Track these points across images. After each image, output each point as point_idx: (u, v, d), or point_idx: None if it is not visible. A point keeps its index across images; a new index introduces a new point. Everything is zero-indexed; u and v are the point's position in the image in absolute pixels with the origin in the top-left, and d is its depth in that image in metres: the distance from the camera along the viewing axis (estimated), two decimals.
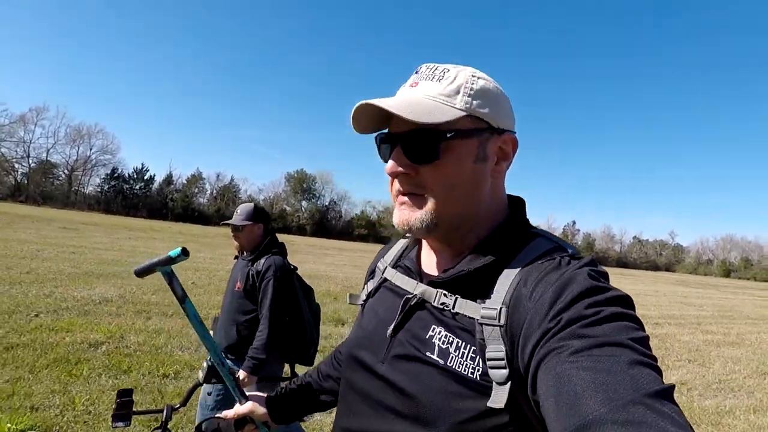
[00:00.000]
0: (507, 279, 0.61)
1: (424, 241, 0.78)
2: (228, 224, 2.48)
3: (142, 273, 0.94)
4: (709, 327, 10.87)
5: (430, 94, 0.65)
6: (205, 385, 1.53)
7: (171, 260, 0.90)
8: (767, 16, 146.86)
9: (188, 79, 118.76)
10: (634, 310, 0.54)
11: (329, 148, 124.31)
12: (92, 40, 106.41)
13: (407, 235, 0.82)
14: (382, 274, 0.82)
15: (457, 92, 0.64)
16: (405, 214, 0.67)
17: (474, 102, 0.64)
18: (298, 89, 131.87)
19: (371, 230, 72.70)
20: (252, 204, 2.54)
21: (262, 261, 2.42)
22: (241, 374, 2.23)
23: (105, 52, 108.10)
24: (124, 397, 1.14)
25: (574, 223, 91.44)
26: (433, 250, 0.75)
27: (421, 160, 0.65)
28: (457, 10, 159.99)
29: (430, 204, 0.65)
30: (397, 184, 0.68)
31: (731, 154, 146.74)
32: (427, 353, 0.64)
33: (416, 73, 0.70)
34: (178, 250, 0.90)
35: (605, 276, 0.60)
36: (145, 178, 62.95)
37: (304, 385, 1.01)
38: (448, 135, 0.63)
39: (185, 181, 67.00)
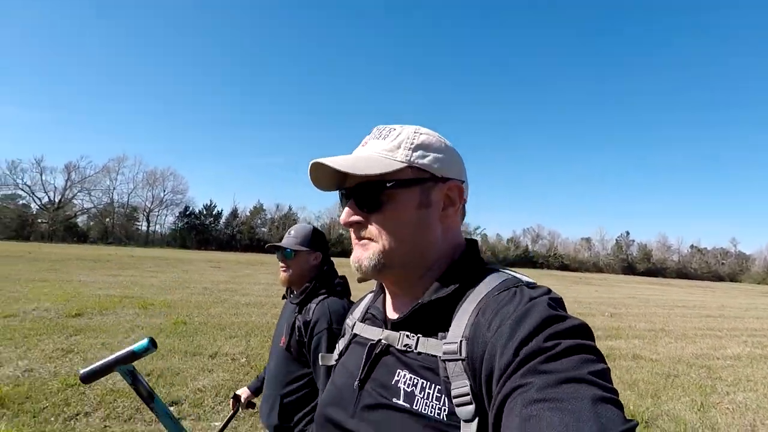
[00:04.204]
0: (465, 312, 0.63)
1: (387, 290, 0.79)
2: (277, 247, 1.82)
3: (92, 377, 0.74)
4: None
5: (375, 150, 0.72)
6: None
7: (134, 356, 0.74)
8: None
9: (246, 115, 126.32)
10: (593, 340, 0.55)
11: None
12: (160, 95, 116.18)
13: (374, 289, 0.86)
14: (352, 330, 0.83)
15: (399, 147, 0.70)
16: (357, 254, 0.73)
17: (414, 154, 0.70)
18: (346, 113, 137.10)
19: None
20: (310, 226, 1.90)
21: (313, 306, 1.74)
22: None
23: (172, 104, 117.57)
24: None
25: (627, 233, 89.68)
26: (395, 296, 0.77)
27: (368, 209, 0.71)
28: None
29: (379, 246, 0.70)
30: (353, 232, 0.74)
31: None
32: (393, 399, 0.64)
33: (369, 134, 0.76)
34: (145, 342, 0.75)
35: (561, 304, 0.61)
36: (214, 213, 67.19)
37: None
38: (388, 185, 0.69)
39: (248, 214, 70.95)
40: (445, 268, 0.72)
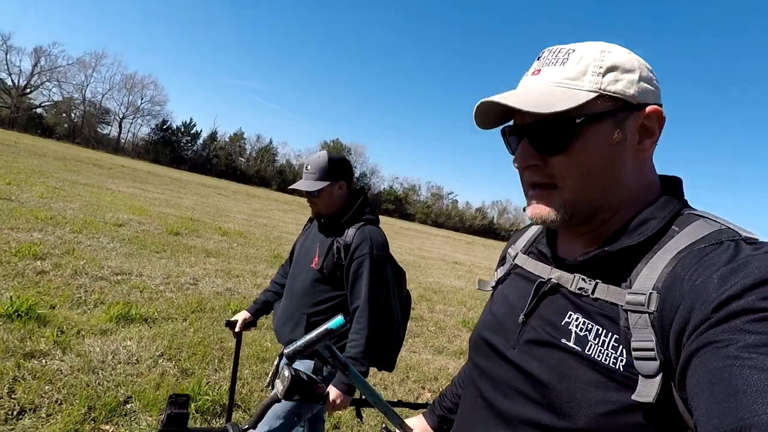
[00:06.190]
0: (659, 262, 0.55)
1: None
2: (297, 190, 1.79)
3: (297, 355, 0.79)
4: None
5: (554, 79, 0.61)
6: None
7: (331, 333, 0.79)
8: None
9: (237, 40, 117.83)
10: None
11: (360, 121, 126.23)
12: None
13: None
14: (513, 260, 0.80)
15: (585, 72, 0.59)
16: (538, 208, 0.64)
17: (604, 79, 0.59)
18: (343, 62, 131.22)
19: (398, 206, 75.77)
20: (325, 156, 1.79)
21: (352, 231, 1.73)
22: (332, 394, 1.58)
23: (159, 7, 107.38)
24: (176, 409, 0.91)
25: None
26: (569, 235, 0.70)
27: (551, 150, 0.61)
28: None
29: (564, 194, 0.62)
30: (527, 176, 0.66)
31: (736, 158, 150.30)
32: (563, 340, 0.60)
33: (538, 59, 0.65)
34: (341, 319, 0.80)
35: None
36: (192, 132, 64.60)
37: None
38: (578, 121, 0.58)
39: (228, 139, 68.79)
40: (637, 211, 0.62)
